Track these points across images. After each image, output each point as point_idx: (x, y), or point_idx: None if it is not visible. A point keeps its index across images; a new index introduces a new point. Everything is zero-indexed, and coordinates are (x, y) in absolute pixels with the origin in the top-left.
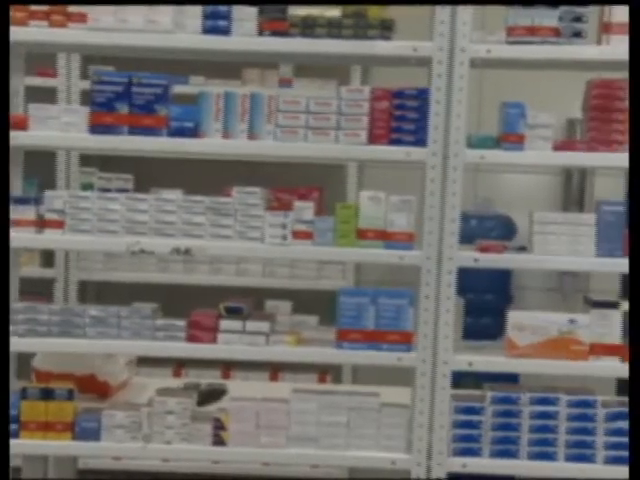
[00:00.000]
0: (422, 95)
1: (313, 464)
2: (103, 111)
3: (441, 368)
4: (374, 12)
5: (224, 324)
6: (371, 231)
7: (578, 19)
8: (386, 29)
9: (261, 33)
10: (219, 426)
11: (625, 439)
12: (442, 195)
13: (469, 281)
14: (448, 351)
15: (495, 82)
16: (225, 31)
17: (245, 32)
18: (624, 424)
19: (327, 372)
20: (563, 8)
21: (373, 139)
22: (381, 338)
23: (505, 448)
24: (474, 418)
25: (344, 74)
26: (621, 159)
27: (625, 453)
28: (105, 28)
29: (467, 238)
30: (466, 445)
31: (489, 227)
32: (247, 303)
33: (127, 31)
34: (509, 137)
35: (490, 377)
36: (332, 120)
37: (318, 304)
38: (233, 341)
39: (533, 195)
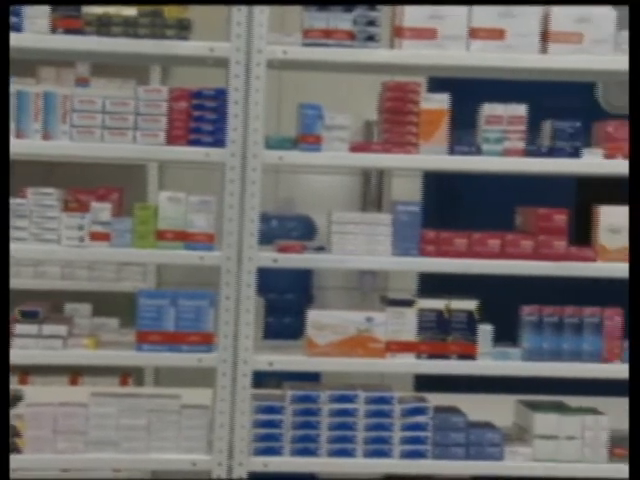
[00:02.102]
0: (220, 96)
1: (114, 468)
2: None
3: (242, 368)
4: (171, 12)
5: (19, 328)
6: (170, 232)
7: (371, 23)
8: (183, 29)
9: (54, 31)
10: (14, 433)
11: (420, 433)
12: (241, 196)
13: (271, 281)
14: (248, 351)
15: (295, 84)
16: (16, 28)
17: (37, 29)
18: (420, 419)
19: (129, 375)
20: (357, 12)
21: (172, 140)
22: (181, 339)
23: (305, 446)
24: (275, 417)
25: (144, 74)
26: (414, 160)
27: (420, 447)
28: None
29: (268, 238)
30: (267, 444)
31: (290, 227)
32: (44, 306)
33: None
34: (306, 138)
35: (294, 376)
36: (129, 120)
37: (119, 306)
38: (29, 346)
39: (334, 195)
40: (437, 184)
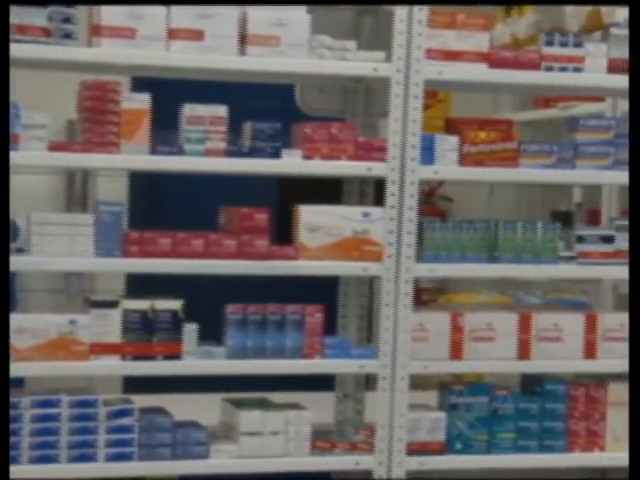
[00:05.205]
0: None
1: None
2: None
3: None
4: None
5: None
6: None
7: (68, 20)
8: None
9: None
10: None
11: (126, 435)
12: None
13: None
14: None
15: None
16: None
17: None
18: (125, 421)
19: None
20: (52, 9)
21: None
22: None
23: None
24: None
25: None
26: (115, 160)
27: (126, 449)
28: None
29: None
30: None
31: None
32: None
33: None
34: None
35: None
36: None
37: None
38: None
39: (38, 196)
40: (144, 184)
